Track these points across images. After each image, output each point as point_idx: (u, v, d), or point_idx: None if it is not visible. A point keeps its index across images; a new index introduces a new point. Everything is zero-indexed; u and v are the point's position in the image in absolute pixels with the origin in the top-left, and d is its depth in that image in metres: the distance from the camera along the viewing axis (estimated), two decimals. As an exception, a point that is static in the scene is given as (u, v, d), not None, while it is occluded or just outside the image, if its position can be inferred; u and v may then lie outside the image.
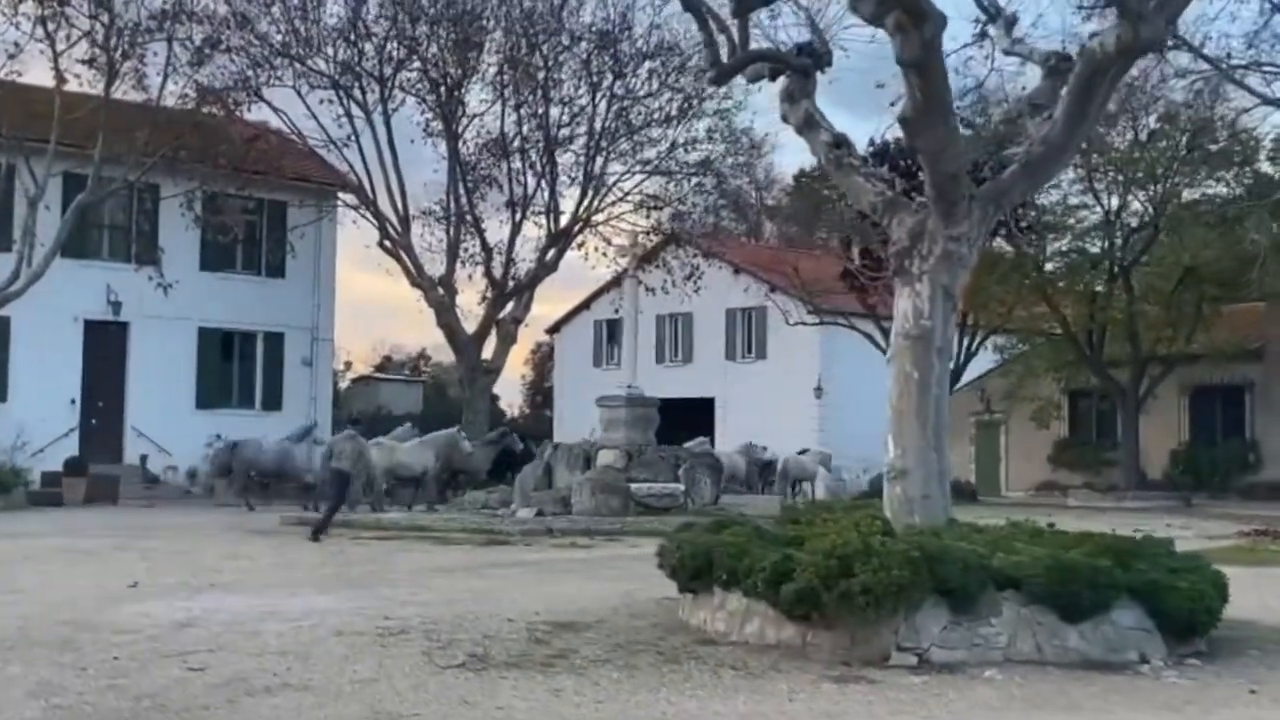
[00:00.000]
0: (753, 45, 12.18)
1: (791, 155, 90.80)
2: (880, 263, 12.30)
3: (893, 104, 19.39)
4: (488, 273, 34.93)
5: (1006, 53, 13.01)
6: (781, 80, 11.96)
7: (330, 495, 20.18)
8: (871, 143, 11.64)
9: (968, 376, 38.32)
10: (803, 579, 9.01)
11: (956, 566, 8.87)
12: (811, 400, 41.85)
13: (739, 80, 12.73)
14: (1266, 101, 23.51)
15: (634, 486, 21.83)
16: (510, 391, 60.58)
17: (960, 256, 10.73)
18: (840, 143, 11.41)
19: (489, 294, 34.93)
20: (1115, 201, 32.02)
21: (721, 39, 11.96)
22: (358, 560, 15.91)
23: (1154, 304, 30.93)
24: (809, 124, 11.57)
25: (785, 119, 11.84)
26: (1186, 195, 30.97)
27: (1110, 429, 35.49)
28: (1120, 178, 30.48)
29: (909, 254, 10.79)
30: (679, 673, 8.56)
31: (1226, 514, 26.92)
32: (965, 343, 38.12)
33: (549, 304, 45.56)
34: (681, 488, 22.10)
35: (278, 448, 28.05)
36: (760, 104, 48.45)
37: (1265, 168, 29.71)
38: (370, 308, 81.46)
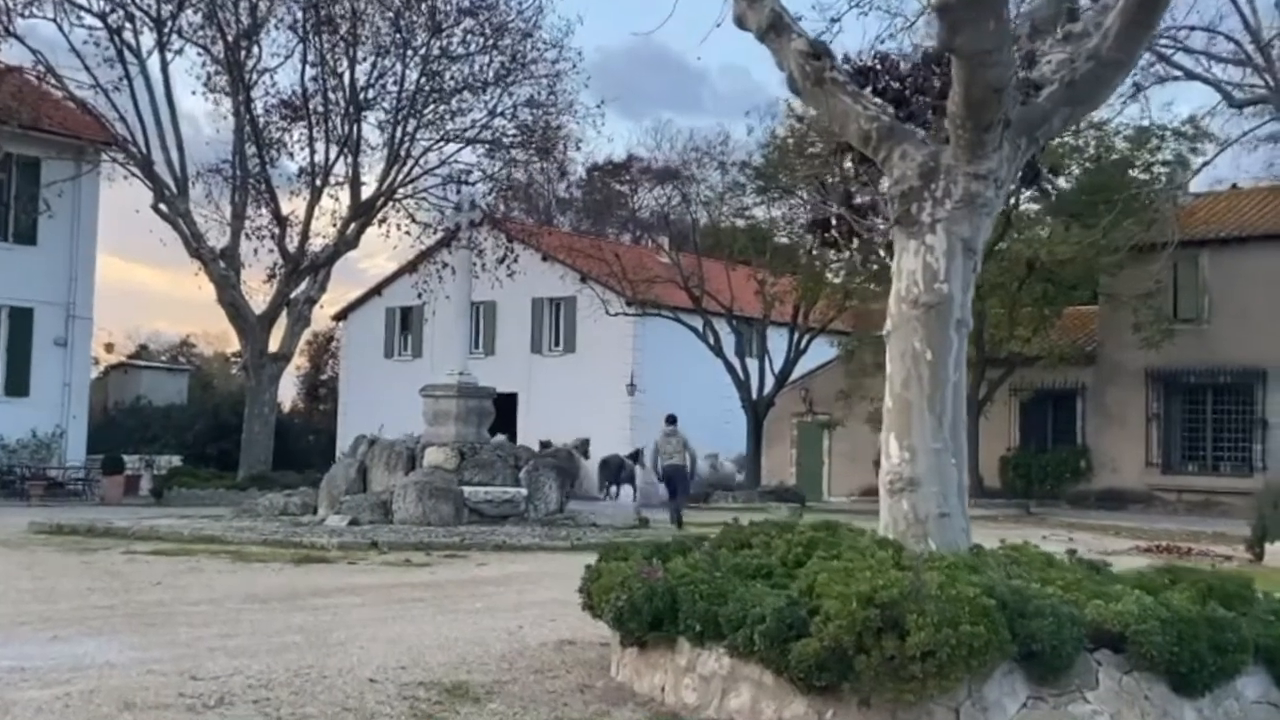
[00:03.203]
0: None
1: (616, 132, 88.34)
2: (859, 210, 9.58)
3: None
4: (280, 247, 31.09)
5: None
6: (734, -25, 9.24)
7: (677, 490, 22.04)
8: (847, 60, 8.98)
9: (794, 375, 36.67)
10: (827, 635, 6.31)
11: (1046, 620, 6.31)
12: (624, 396, 39.38)
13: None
14: (1191, 76, 22.24)
15: (467, 491, 18.72)
16: (282, 382, 56.24)
17: (985, 201, 8.22)
18: (819, 53, 8.75)
19: (280, 271, 31.10)
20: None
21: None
22: (137, 584, 12.34)
23: (998, 304, 29.55)
24: (777, 27, 8.86)
25: (741, 23, 9.10)
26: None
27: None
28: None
29: (918, 196, 8.21)
30: (661, 777, 5.79)
31: (1074, 523, 25.56)
32: (794, 340, 36.36)
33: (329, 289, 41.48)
34: (523, 492, 19.06)
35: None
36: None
37: (1114, 159, 28.64)
38: (117, 292, 75.73)
